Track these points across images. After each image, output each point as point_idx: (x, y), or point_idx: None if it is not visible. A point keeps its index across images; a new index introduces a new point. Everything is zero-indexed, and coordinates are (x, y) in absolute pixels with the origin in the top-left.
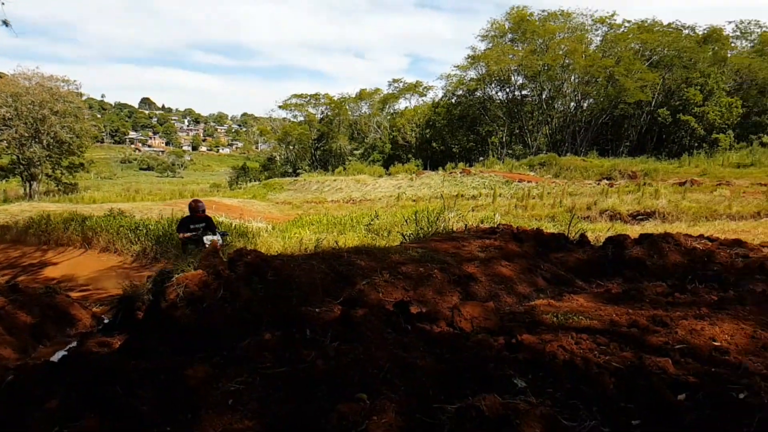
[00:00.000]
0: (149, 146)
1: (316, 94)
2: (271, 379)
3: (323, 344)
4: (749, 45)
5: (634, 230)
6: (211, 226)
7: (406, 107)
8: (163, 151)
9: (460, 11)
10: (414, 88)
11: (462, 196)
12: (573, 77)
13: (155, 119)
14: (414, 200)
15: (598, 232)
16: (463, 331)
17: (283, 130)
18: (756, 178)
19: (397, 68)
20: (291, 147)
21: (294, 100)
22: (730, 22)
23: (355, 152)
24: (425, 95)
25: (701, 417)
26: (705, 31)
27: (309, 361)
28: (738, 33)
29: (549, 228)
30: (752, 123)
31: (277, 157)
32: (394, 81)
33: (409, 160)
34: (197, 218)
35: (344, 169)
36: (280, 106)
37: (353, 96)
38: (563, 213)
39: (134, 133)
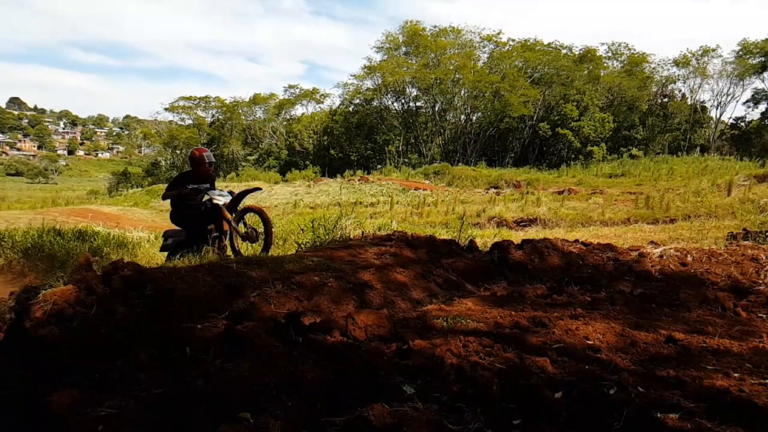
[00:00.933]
0: (18, 150)
1: (206, 97)
2: (147, 402)
3: (205, 362)
4: (620, 65)
5: (518, 236)
6: (214, 187)
7: (303, 113)
8: (34, 155)
9: (357, 21)
10: (311, 95)
11: (360, 203)
12: (463, 91)
13: (26, 120)
14: (312, 207)
15: (487, 237)
16: (357, 340)
17: (170, 133)
18: (626, 187)
19: (293, 74)
20: (178, 151)
21: (182, 103)
22: (603, 44)
23: (249, 158)
24: (322, 102)
25: (575, 414)
26: (581, 51)
27: (188, 381)
28: (610, 54)
29: (442, 234)
30: (622, 137)
31: (162, 162)
32: (291, 87)
33: (307, 167)
34: (202, 175)
35: (237, 175)
36: (166, 109)
37: (247, 100)
38: (455, 220)
39: (0, 135)
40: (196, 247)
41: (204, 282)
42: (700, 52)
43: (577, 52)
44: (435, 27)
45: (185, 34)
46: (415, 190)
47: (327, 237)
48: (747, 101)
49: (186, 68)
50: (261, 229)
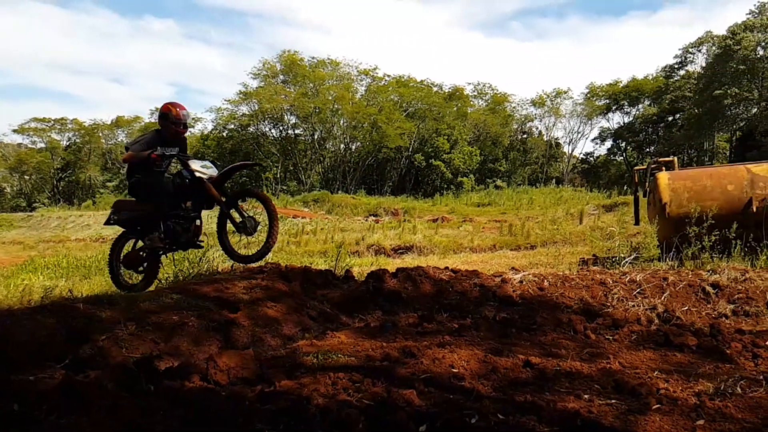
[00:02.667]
0: None
1: (62, 119)
2: None
3: (38, 419)
4: (484, 103)
5: (395, 263)
6: (185, 155)
7: None
8: None
9: (233, 47)
10: None
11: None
12: (342, 121)
13: None
14: None
15: (364, 266)
16: (219, 384)
17: (17, 157)
18: (492, 215)
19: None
20: (26, 177)
21: (34, 124)
22: (469, 84)
23: (109, 184)
24: (193, 127)
25: None
26: (450, 90)
27: None
28: (476, 93)
29: (320, 264)
30: (488, 169)
31: (8, 189)
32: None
33: None
34: (172, 137)
35: (94, 203)
36: (14, 130)
37: (109, 123)
38: (334, 248)
39: None
40: (163, 228)
41: (45, 326)
42: (553, 94)
43: (446, 90)
44: (313, 58)
45: (40, 51)
46: (293, 218)
47: (192, 271)
48: (595, 138)
49: (39, 87)
50: (261, 221)
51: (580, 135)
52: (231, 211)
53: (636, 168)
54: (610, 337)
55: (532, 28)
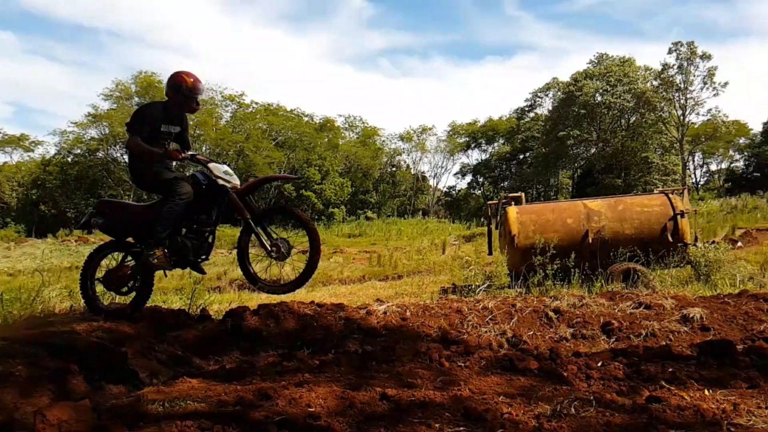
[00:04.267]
0: None
1: None
2: None
3: None
4: (355, 136)
5: (259, 299)
6: (186, 138)
7: (5, 163)
8: None
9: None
10: (18, 141)
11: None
12: (205, 148)
13: None
14: (11, 275)
15: (225, 303)
16: None
17: None
18: (363, 246)
19: None
20: None
21: None
22: (340, 116)
23: None
24: (33, 150)
25: None
26: (321, 120)
27: None
28: (347, 125)
29: (175, 302)
30: (359, 200)
31: None
32: None
33: (7, 225)
34: (178, 111)
35: None
36: None
37: None
38: (191, 284)
39: None
40: (169, 242)
41: None
42: (419, 130)
43: (317, 121)
44: None
45: None
46: None
47: (23, 313)
48: (456, 173)
49: None
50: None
51: (443, 169)
52: (258, 230)
53: (489, 202)
54: (462, 364)
55: (400, 66)
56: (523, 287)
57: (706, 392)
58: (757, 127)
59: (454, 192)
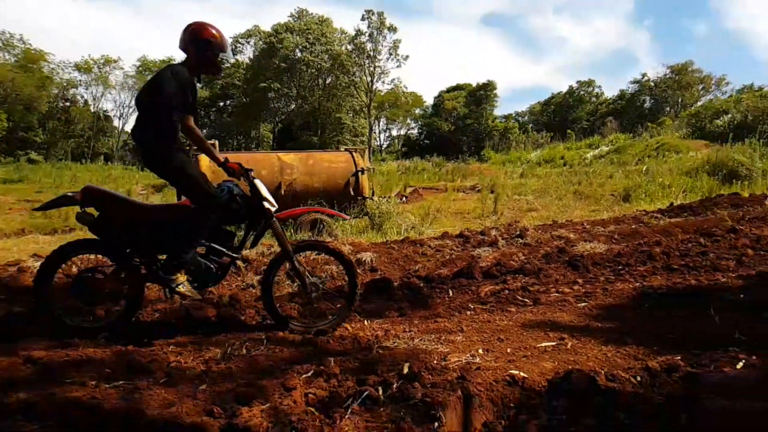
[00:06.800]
0: None
1: None
2: None
3: None
4: (13, 59)
5: None
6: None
7: None
8: None
9: None
10: None
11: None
12: None
13: None
14: None
15: None
16: None
17: None
18: (25, 194)
19: None
20: None
21: None
22: None
23: None
24: None
25: None
26: None
27: None
28: (1, 45)
29: None
30: (19, 138)
31: None
32: None
33: None
34: (197, 74)
35: None
36: None
37: None
38: None
39: None
40: (192, 262)
41: None
42: (102, 61)
43: None
44: None
45: None
46: None
47: None
48: None
49: None
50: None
51: (132, 110)
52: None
53: None
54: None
55: None
56: None
57: (365, 322)
58: (430, 101)
59: None
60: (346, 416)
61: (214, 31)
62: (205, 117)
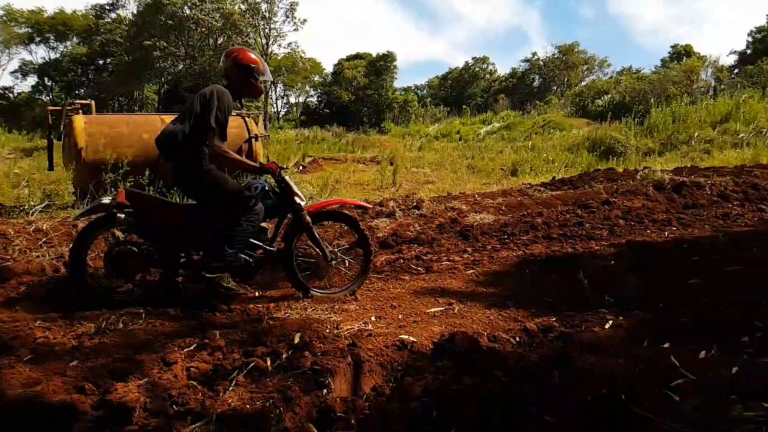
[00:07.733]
0: None
1: None
2: None
3: None
4: None
5: None
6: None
7: None
8: None
9: None
10: None
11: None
12: None
13: None
14: None
15: None
16: None
17: None
18: None
19: None
20: None
21: None
22: None
23: None
24: None
25: None
26: None
27: None
28: None
29: None
30: None
31: None
32: None
33: None
34: (237, 97)
35: None
36: None
37: None
38: None
39: None
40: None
41: None
42: None
43: None
44: None
45: None
46: None
47: None
48: (15, 71)
49: None
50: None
51: None
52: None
53: (50, 108)
54: None
55: None
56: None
57: (257, 294)
58: (330, 68)
59: (11, 95)
60: (230, 388)
61: (254, 56)
62: (83, 75)
